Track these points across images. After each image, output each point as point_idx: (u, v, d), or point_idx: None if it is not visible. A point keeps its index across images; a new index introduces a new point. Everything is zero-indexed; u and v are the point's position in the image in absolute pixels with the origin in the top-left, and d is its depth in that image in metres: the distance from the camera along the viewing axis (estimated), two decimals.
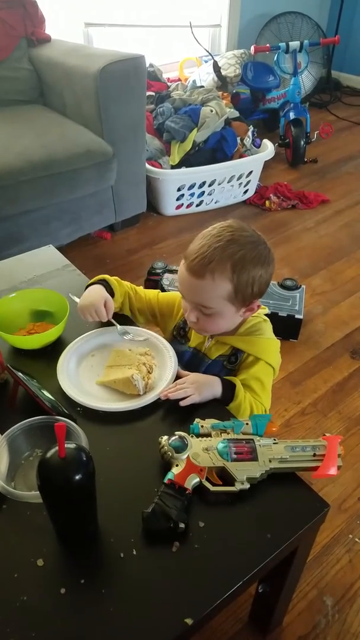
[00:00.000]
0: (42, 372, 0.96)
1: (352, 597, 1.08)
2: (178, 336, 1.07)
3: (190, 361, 1.03)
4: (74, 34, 2.69)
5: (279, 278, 1.82)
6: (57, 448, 0.61)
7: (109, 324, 1.03)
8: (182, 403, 0.87)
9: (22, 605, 0.64)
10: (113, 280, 1.07)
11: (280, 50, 2.73)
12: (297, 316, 1.66)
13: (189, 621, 0.62)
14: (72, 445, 0.63)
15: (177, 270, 1.83)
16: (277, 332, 1.02)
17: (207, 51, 2.95)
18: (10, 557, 0.68)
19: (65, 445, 0.61)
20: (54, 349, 1.01)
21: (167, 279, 1.82)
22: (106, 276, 1.07)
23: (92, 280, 1.07)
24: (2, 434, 0.80)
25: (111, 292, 1.04)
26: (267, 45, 2.71)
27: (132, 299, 1.08)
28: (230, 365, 0.99)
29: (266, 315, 1.03)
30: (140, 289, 1.11)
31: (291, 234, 2.29)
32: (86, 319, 1.01)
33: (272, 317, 1.02)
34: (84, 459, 0.63)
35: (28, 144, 1.80)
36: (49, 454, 0.61)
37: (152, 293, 1.11)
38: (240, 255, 0.85)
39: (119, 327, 1.03)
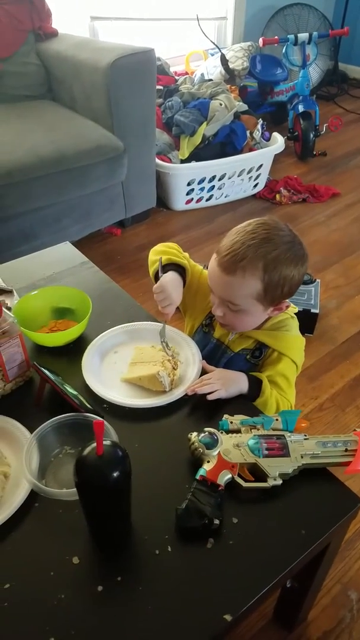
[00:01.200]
0: (64, 369, 0.95)
1: None
2: (204, 324, 1.05)
3: (212, 353, 1.02)
4: (80, 28, 2.67)
5: None
6: (94, 445, 0.60)
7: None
8: (210, 397, 0.86)
9: (59, 604, 0.64)
10: (189, 270, 1.00)
11: (288, 42, 2.71)
12: (313, 310, 1.65)
13: (228, 617, 0.62)
14: (108, 442, 0.62)
15: None
16: None
17: (215, 44, 2.93)
18: (46, 555, 0.68)
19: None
20: (75, 346, 1.01)
21: None
22: (186, 264, 1.00)
23: (173, 258, 0.98)
24: (29, 432, 0.80)
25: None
26: (276, 37, 2.68)
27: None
28: (254, 359, 0.98)
29: None
30: (189, 259, 1.05)
31: (302, 228, 2.27)
32: (156, 297, 0.94)
33: None
34: (121, 455, 0.62)
35: (38, 140, 1.78)
36: (86, 452, 0.61)
37: (198, 267, 1.05)
38: (274, 255, 0.84)
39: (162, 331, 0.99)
